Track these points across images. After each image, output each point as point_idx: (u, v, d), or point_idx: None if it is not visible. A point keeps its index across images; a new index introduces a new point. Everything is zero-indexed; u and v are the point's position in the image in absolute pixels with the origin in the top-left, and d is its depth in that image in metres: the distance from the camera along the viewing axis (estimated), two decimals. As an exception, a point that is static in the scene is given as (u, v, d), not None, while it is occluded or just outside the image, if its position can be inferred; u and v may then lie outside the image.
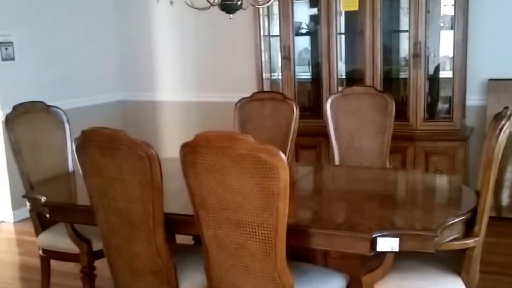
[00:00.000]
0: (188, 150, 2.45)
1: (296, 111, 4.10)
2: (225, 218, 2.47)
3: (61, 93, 6.06)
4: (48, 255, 3.77)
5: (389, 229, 2.53)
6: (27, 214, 4.21)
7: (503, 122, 2.67)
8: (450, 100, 5.09)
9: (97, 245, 3.46)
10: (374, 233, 2.49)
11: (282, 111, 4.19)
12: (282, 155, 2.29)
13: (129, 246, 2.86)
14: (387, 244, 2.49)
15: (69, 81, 6.41)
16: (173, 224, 2.85)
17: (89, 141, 2.75)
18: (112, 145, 2.67)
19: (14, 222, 5.87)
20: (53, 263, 3.93)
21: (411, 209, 2.96)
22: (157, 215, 2.71)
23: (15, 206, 5.86)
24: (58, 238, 3.65)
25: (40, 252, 3.80)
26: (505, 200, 5.19)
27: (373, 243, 2.49)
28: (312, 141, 5.38)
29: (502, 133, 2.65)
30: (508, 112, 2.75)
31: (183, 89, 6.72)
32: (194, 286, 2.92)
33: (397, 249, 2.50)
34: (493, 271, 4.12)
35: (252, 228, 2.42)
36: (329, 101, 4.19)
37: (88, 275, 3.57)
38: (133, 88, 7.04)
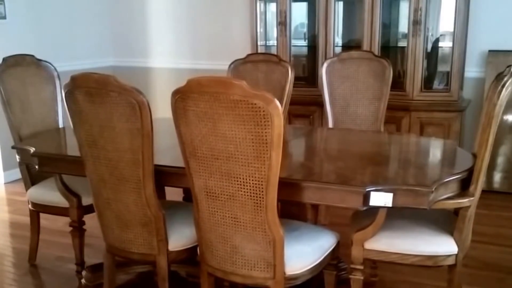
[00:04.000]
0: (180, 96, 2.37)
1: (291, 74, 4.00)
2: (216, 168, 2.39)
3: (52, 55, 5.88)
4: (38, 209, 3.73)
5: (383, 184, 2.45)
6: (18, 175, 4.13)
7: (505, 79, 2.57)
8: (448, 71, 4.99)
9: (86, 200, 3.41)
10: (368, 187, 2.41)
11: (277, 74, 4.09)
12: (277, 102, 2.20)
13: (119, 196, 2.78)
14: (381, 199, 2.42)
15: (60, 44, 6.29)
16: (163, 176, 2.77)
17: (78, 87, 2.65)
18: (102, 91, 2.57)
19: (5, 183, 5.83)
20: (43, 221, 3.89)
21: (406, 167, 2.87)
22: (146, 165, 2.63)
23: (6, 167, 5.84)
24: (48, 192, 3.60)
25: (30, 206, 3.76)
26: (496, 175, 5.14)
27: (366, 197, 2.41)
28: (305, 109, 5.29)
29: (504, 90, 2.55)
30: (512, 70, 2.67)
31: (176, 55, 6.61)
32: (183, 239, 2.86)
33: (390, 204, 2.43)
34: (483, 240, 4.09)
35: (243, 178, 2.34)
36: (325, 65, 4.10)
37: (78, 229, 3.52)
38: (126, 54, 6.93)
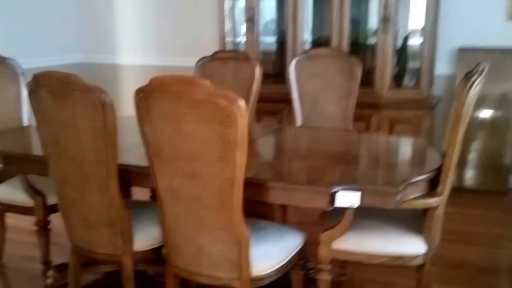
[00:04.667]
0: (143, 95, 2.30)
1: (258, 72, 3.93)
2: (180, 168, 2.33)
3: (18, 52, 5.71)
4: (3, 208, 3.64)
5: (350, 184, 2.41)
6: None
7: (474, 78, 2.54)
8: (418, 68, 4.95)
9: (52, 199, 3.32)
10: (334, 187, 2.36)
11: (244, 72, 4.01)
12: (241, 101, 2.15)
13: (83, 196, 2.71)
14: (347, 199, 2.37)
15: (26, 40, 6.07)
16: (128, 175, 2.70)
17: (41, 86, 2.58)
18: (64, 90, 2.50)
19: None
20: (10, 220, 3.80)
21: (373, 167, 2.83)
22: (110, 165, 2.57)
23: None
24: (13, 191, 3.50)
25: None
26: (467, 172, 5.14)
27: (332, 197, 2.36)
28: (274, 107, 5.20)
29: (472, 88, 2.51)
30: (480, 68, 2.63)
31: (144, 52, 6.49)
32: (148, 239, 2.80)
33: (357, 205, 2.38)
34: (453, 239, 4.07)
35: (208, 179, 2.28)
36: (293, 62, 4.04)
37: (43, 228, 3.45)
38: (94, 50, 6.78)
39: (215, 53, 4.17)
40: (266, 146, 3.32)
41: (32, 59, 5.77)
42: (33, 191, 3.38)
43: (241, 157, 2.21)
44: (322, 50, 4.17)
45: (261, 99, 4.78)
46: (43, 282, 3.52)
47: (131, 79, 6.57)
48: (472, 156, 5.09)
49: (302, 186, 2.43)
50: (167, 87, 2.22)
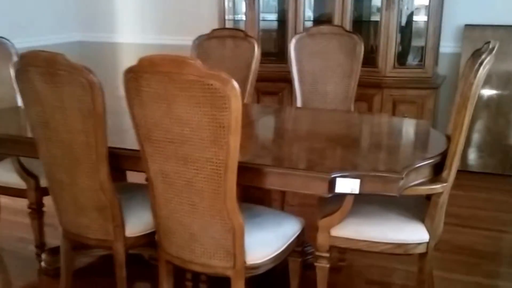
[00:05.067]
0: (132, 76, 2.17)
1: (257, 50, 3.79)
2: (172, 152, 2.20)
3: (13, 31, 5.57)
4: (-4, 190, 3.52)
5: (350, 170, 2.28)
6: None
7: (483, 57, 2.38)
8: (422, 46, 4.79)
9: (45, 181, 3.14)
10: (333, 173, 2.23)
11: (243, 50, 3.88)
12: (235, 83, 2.01)
13: (73, 180, 2.59)
14: (347, 185, 2.25)
15: (21, 19, 5.84)
16: (120, 159, 2.58)
17: (28, 66, 2.44)
18: (51, 70, 2.36)
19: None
20: (5, 200, 3.68)
21: (375, 151, 2.68)
22: (100, 148, 2.44)
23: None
24: (5, 173, 3.38)
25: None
26: (471, 154, 5.00)
27: (332, 183, 2.23)
28: (274, 86, 5.06)
29: (481, 68, 2.35)
30: (490, 46, 2.48)
31: (143, 30, 6.32)
32: (141, 225, 2.69)
33: (357, 191, 2.25)
34: (456, 223, 3.96)
35: (200, 164, 2.16)
36: (294, 41, 3.91)
37: (36, 211, 3.34)
38: (92, 29, 6.60)
39: (213, 31, 4.03)
40: (264, 128, 3.19)
41: (29, 38, 5.63)
42: (26, 173, 3.27)
43: (234, 142, 2.08)
44: (323, 28, 4.02)
45: (262, 78, 4.65)
46: (37, 265, 3.43)
47: (129, 58, 6.35)
48: (476, 137, 4.95)
49: (299, 172, 2.29)
50: (156, 68, 2.09)
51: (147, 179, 3.29)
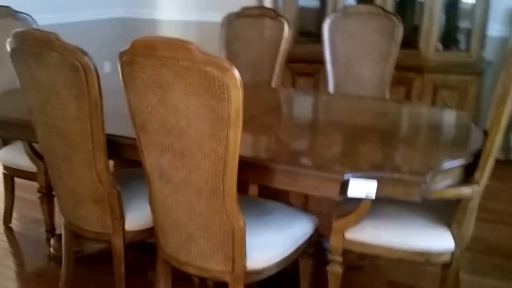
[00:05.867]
0: (126, 60, 1.93)
1: (287, 31, 3.52)
2: (168, 145, 1.96)
3: (56, 5, 5.45)
4: (9, 172, 3.40)
5: (366, 171, 2.00)
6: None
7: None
8: (468, 28, 4.41)
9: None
10: (347, 174, 1.96)
11: (273, 30, 3.61)
12: (235, 71, 1.75)
13: (70, 169, 2.39)
14: (362, 189, 1.96)
15: None
16: (119, 148, 2.36)
17: (22, 46, 2.23)
18: (44, 51, 2.15)
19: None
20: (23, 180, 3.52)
21: (401, 148, 2.37)
22: (96, 136, 2.23)
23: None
24: (17, 155, 3.24)
25: (1, 168, 3.41)
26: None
27: (344, 186, 1.97)
28: (310, 68, 4.75)
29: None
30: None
31: (183, 7, 6.05)
32: (142, 218, 2.46)
33: (373, 196, 1.97)
34: (492, 218, 3.60)
35: (198, 159, 1.91)
36: (328, 20, 3.60)
37: (46, 195, 3.17)
38: (133, 5, 6.36)
39: (243, 9, 3.76)
40: (283, 117, 2.90)
41: (65, 13, 5.45)
42: (36, 156, 3.08)
43: (234, 136, 1.83)
44: (361, 7, 3.72)
45: (298, 59, 4.38)
46: (47, 250, 3.27)
47: (171, 35, 6.13)
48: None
49: (309, 171, 2.03)
50: (150, 51, 1.85)
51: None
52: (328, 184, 1.98)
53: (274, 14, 3.66)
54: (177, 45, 1.79)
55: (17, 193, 3.60)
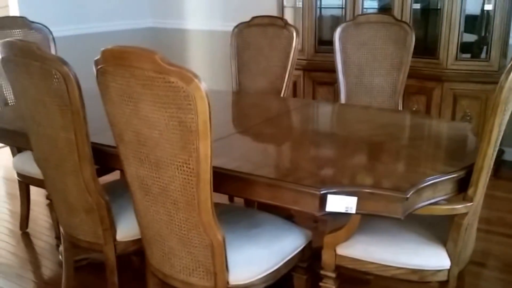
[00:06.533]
0: (99, 69, 1.83)
1: (296, 40, 3.38)
2: (145, 156, 1.85)
3: (85, 16, 5.41)
4: (21, 178, 3.33)
5: (346, 185, 1.85)
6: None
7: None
8: (489, 36, 4.18)
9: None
10: (325, 188, 1.81)
11: (282, 39, 3.48)
12: (200, 81, 1.63)
13: (62, 178, 2.31)
14: (341, 203, 1.82)
15: (94, 4, 5.60)
16: (106, 157, 2.26)
17: (10, 56, 2.16)
18: (26, 61, 2.08)
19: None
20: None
21: (389, 162, 2.19)
22: (81, 146, 2.13)
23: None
24: (28, 163, 3.16)
25: (16, 176, 3.36)
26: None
27: (323, 200, 1.82)
28: (330, 77, 4.53)
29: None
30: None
31: (210, 17, 5.92)
32: (133, 229, 2.31)
33: (353, 211, 1.82)
34: (501, 231, 3.17)
35: (172, 171, 1.79)
36: (339, 29, 3.46)
37: (55, 202, 3.08)
38: (163, 15, 6.28)
39: (253, 18, 3.64)
40: (277, 128, 2.71)
41: (103, 23, 5.42)
42: (44, 163, 3.00)
43: (204, 148, 1.70)
44: (371, 16, 3.54)
45: (317, 68, 4.25)
46: (58, 257, 3.19)
47: (198, 45, 6.06)
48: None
49: (287, 184, 1.88)
50: (117, 61, 1.75)
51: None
52: (306, 198, 1.84)
53: (282, 22, 3.53)
54: (141, 55, 1.68)
55: (34, 197, 3.56)
